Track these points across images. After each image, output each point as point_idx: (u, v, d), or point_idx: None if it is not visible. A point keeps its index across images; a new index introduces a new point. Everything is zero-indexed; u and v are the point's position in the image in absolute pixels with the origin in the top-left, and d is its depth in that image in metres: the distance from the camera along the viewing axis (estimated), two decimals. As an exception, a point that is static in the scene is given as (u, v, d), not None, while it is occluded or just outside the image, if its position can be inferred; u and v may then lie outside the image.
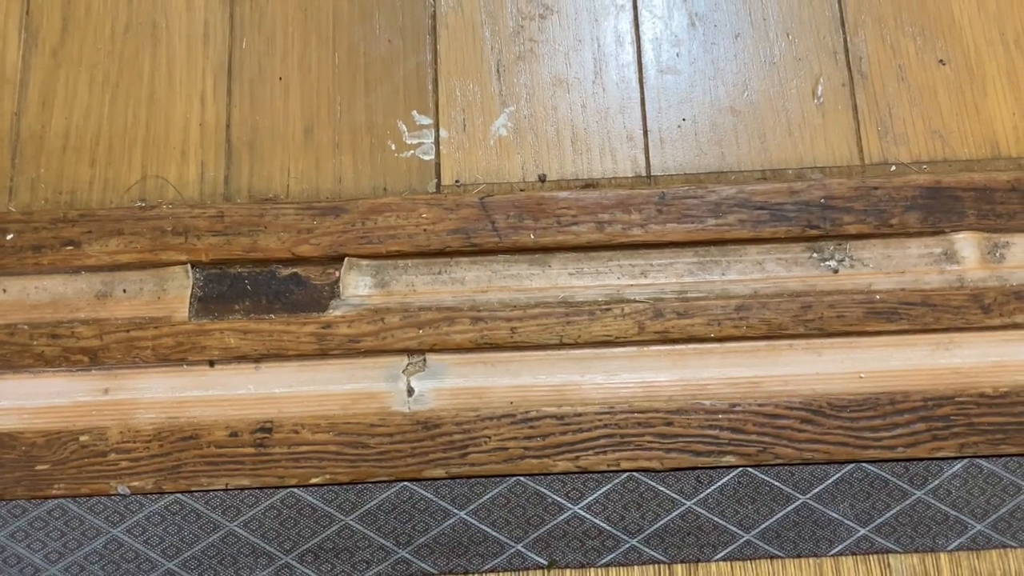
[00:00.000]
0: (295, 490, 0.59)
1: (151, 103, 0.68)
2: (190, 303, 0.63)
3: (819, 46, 0.68)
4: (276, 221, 0.64)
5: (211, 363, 0.62)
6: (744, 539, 0.59)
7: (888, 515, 0.59)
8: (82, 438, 0.60)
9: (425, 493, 0.60)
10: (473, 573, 0.59)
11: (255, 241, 0.63)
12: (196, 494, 0.59)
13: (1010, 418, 0.60)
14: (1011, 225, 0.63)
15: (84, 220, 0.64)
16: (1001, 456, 0.60)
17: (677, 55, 0.69)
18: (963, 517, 0.59)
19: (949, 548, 0.59)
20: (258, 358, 0.62)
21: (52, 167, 0.67)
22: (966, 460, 0.60)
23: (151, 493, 0.59)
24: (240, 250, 0.63)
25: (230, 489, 0.59)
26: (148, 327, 0.62)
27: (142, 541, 0.59)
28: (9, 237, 0.63)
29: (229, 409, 0.61)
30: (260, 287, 0.63)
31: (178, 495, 0.59)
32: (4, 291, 0.63)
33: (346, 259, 0.63)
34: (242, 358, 0.62)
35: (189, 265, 0.63)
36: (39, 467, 0.60)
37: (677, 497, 0.60)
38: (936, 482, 0.60)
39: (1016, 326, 0.62)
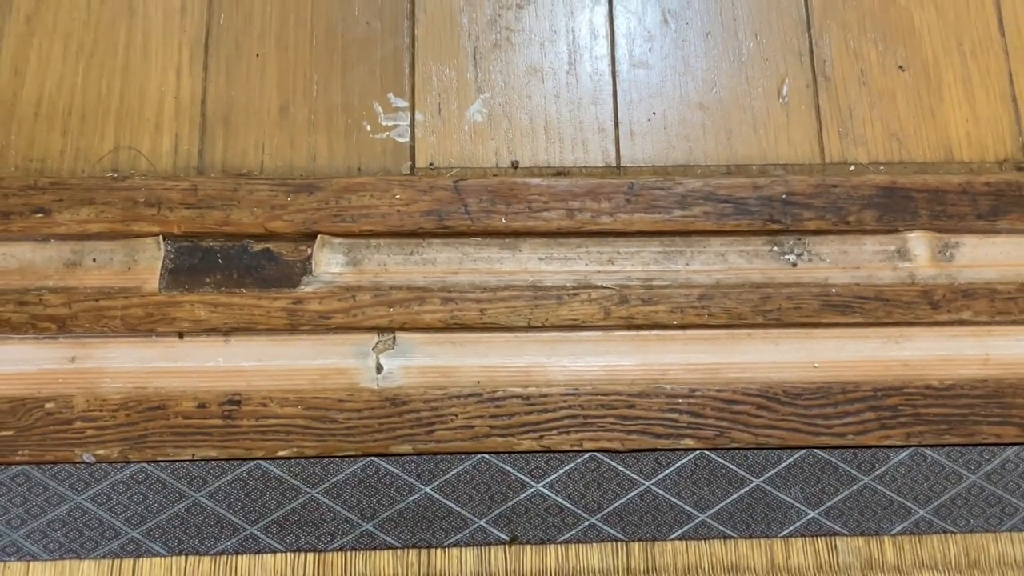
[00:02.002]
0: (262, 462, 0.60)
1: (126, 74, 0.68)
2: (160, 275, 0.63)
3: (785, 47, 0.71)
4: (250, 196, 0.64)
5: (180, 335, 0.62)
6: (699, 519, 0.61)
7: (837, 499, 0.62)
8: (48, 405, 0.60)
9: (391, 468, 0.61)
10: (436, 547, 0.60)
11: (228, 215, 0.64)
12: (162, 464, 0.60)
13: (954, 410, 0.63)
14: (961, 226, 0.65)
15: (55, 188, 0.63)
16: (944, 446, 0.63)
17: (649, 50, 0.71)
18: (907, 503, 0.62)
19: (893, 532, 0.61)
20: (228, 331, 0.62)
21: (23, 134, 0.66)
22: (911, 449, 0.63)
23: (117, 462, 0.59)
24: (213, 224, 0.63)
25: (196, 460, 0.60)
26: (118, 297, 0.62)
27: (107, 509, 0.59)
28: (-23, 202, 0.63)
29: (197, 381, 0.61)
30: (232, 261, 0.64)
31: (144, 464, 0.60)
32: (-29, 256, 0.62)
33: (319, 236, 0.64)
34: (212, 331, 0.62)
35: (161, 237, 0.63)
36: (3, 433, 0.59)
37: (636, 477, 0.61)
38: (883, 469, 0.62)
39: (962, 322, 0.65)
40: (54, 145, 0.66)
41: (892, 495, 0.62)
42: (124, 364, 0.61)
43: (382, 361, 0.62)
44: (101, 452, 0.59)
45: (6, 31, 0.68)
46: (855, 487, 0.62)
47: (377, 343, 0.63)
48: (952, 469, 0.62)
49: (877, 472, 0.62)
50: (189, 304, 0.62)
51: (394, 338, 0.63)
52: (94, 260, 0.63)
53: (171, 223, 0.63)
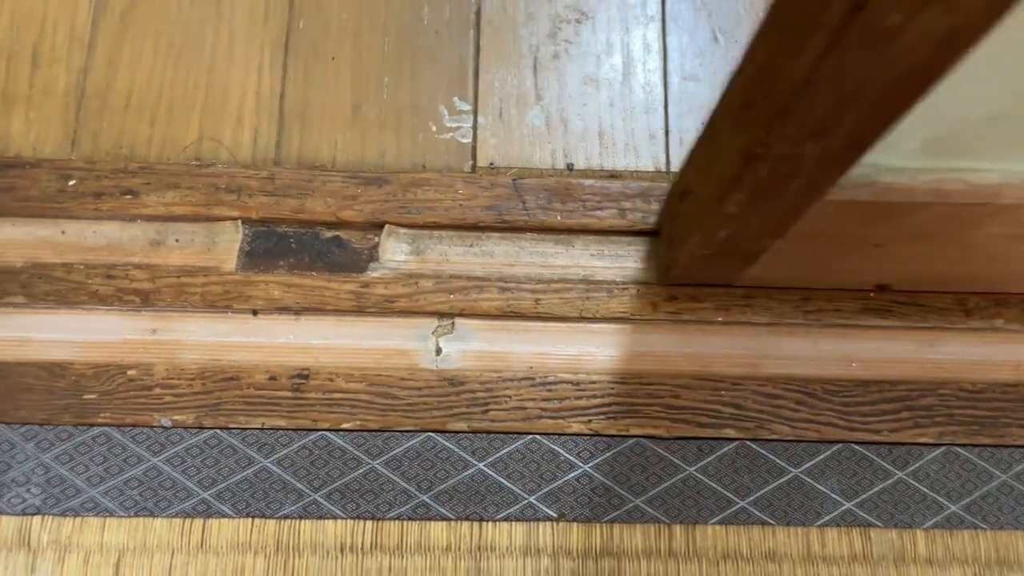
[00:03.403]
0: (327, 433, 0.64)
1: (211, 71, 0.73)
2: (238, 256, 0.67)
3: (829, 67, 0.74)
4: (323, 187, 0.69)
5: (254, 312, 0.66)
6: (739, 505, 0.64)
7: (871, 492, 0.64)
8: (130, 372, 0.64)
9: (447, 444, 0.64)
10: (488, 521, 0.63)
11: (303, 203, 0.68)
12: (234, 430, 0.63)
13: (986, 412, 0.66)
14: (995, 238, 0.69)
15: (144, 172, 0.68)
16: (976, 446, 0.65)
17: (699, 65, 0.75)
18: (939, 498, 0.64)
19: (925, 526, 0.64)
20: (299, 310, 0.66)
21: (114, 123, 0.71)
22: (944, 447, 0.65)
23: (192, 427, 0.63)
24: (288, 211, 0.68)
25: (266, 428, 0.64)
26: (198, 274, 0.66)
27: (180, 471, 0.63)
28: (71, 183, 0.68)
29: (269, 355, 0.65)
30: (304, 246, 0.68)
31: (217, 430, 0.63)
32: (63, 232, 0.67)
33: (386, 226, 0.68)
34: (284, 309, 0.66)
35: (240, 221, 0.68)
36: (87, 396, 0.63)
37: (680, 463, 0.64)
38: (916, 465, 0.65)
39: (995, 329, 0.68)
40: (142, 134, 0.71)
41: (925, 490, 0.64)
42: (201, 337, 0.65)
43: (441, 344, 0.66)
44: (178, 417, 0.63)
45: (102, 28, 0.73)
46: (889, 481, 0.64)
47: (437, 327, 0.67)
48: (983, 468, 0.65)
49: (911, 468, 0.65)
50: (264, 284, 0.66)
51: (453, 323, 0.67)
52: (176, 240, 0.67)
53: (250, 208, 0.68)
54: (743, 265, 0.62)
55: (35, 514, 0.62)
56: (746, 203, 0.49)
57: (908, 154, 0.48)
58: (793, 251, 0.59)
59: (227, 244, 0.67)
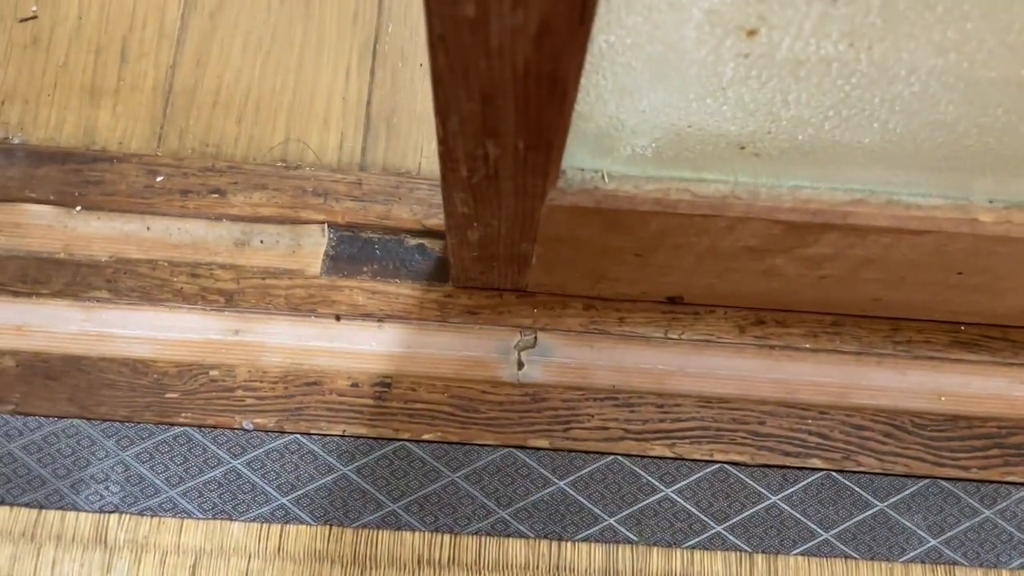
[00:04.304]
0: (407, 443, 0.63)
1: (299, 72, 0.72)
2: (323, 260, 0.67)
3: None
4: (409, 194, 0.68)
5: (338, 317, 0.65)
6: (823, 537, 0.63)
7: (958, 529, 0.63)
8: (212, 372, 0.64)
9: (528, 460, 0.63)
10: (567, 540, 0.62)
11: (389, 210, 0.68)
12: (314, 436, 0.63)
13: (1076, 453, 0.64)
14: (1090, 276, 0.67)
15: (232, 171, 0.68)
16: (1065, 488, 0.64)
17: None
18: (1027, 540, 0.63)
19: (1012, 566, 0.62)
20: (382, 317, 0.66)
21: (201, 120, 0.71)
22: (1033, 487, 0.64)
23: (272, 431, 0.63)
24: (374, 216, 0.67)
25: (347, 436, 0.63)
26: (282, 277, 0.66)
27: (260, 475, 0.62)
28: (159, 179, 0.68)
29: (351, 361, 0.64)
30: (389, 253, 0.67)
31: (297, 435, 0.63)
32: (148, 228, 0.67)
33: (471, 236, 0.67)
34: (367, 315, 0.65)
35: (325, 225, 0.67)
36: (169, 395, 0.63)
37: (763, 491, 0.63)
38: (1004, 504, 0.64)
39: (1087, 369, 0.66)
40: (229, 132, 0.71)
41: (1013, 530, 0.63)
42: (284, 340, 0.65)
43: (523, 358, 0.65)
44: (259, 420, 0.63)
45: (191, 25, 0.73)
46: (977, 519, 0.63)
47: (520, 341, 0.66)
48: (1073, 511, 0.64)
49: (999, 506, 0.63)
50: (348, 289, 0.66)
51: (535, 337, 0.66)
52: (261, 241, 0.67)
53: (336, 213, 0.67)
54: (517, 269, 0.61)
55: (113, 512, 0.61)
56: (472, 203, 0.49)
57: (632, 162, 0.48)
58: (558, 258, 0.59)
59: (312, 248, 0.67)
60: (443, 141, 0.43)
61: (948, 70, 0.37)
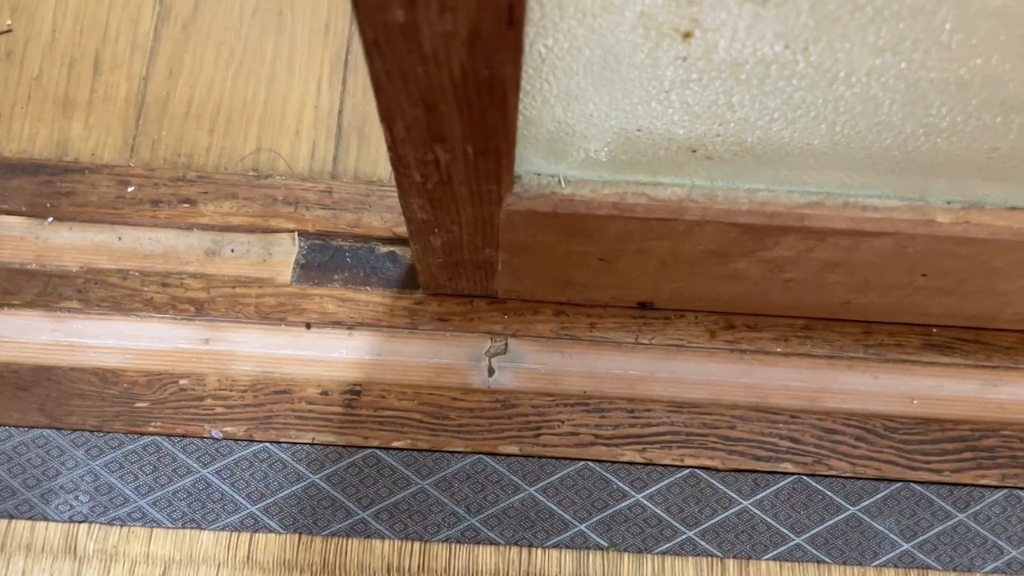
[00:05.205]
0: (377, 451, 0.63)
1: (271, 82, 0.73)
2: (293, 268, 0.67)
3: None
4: (380, 202, 0.68)
5: (308, 325, 0.66)
6: (794, 542, 0.62)
7: (931, 533, 0.63)
8: (181, 382, 0.64)
9: (498, 467, 0.63)
10: (537, 547, 0.62)
11: (359, 218, 0.68)
12: (284, 445, 0.63)
13: (1050, 455, 0.64)
14: (1062, 277, 0.67)
15: (202, 181, 0.68)
16: (1039, 490, 0.64)
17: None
18: (1000, 542, 0.63)
19: (985, 570, 0.62)
20: (352, 325, 0.66)
21: (173, 131, 0.71)
22: (1007, 489, 0.64)
23: (242, 439, 0.63)
24: (345, 224, 0.68)
25: (316, 444, 0.63)
26: (253, 286, 0.66)
27: (229, 484, 0.62)
28: (130, 190, 0.68)
29: (321, 369, 0.65)
30: (360, 260, 0.67)
31: (267, 444, 0.63)
32: (120, 239, 0.67)
33: (442, 243, 0.67)
34: (338, 323, 0.66)
35: (296, 233, 0.67)
36: (138, 404, 0.63)
37: (735, 496, 0.63)
38: (978, 507, 0.63)
39: (1061, 371, 0.66)
40: (201, 142, 0.71)
41: (986, 534, 0.63)
42: (254, 349, 0.65)
43: (494, 364, 0.65)
44: (228, 429, 0.63)
45: (164, 37, 0.74)
46: (949, 523, 0.63)
47: (490, 347, 0.66)
48: (1047, 513, 0.63)
49: (972, 510, 0.63)
50: (318, 297, 0.66)
51: (506, 344, 0.66)
52: (232, 250, 0.67)
53: (306, 221, 0.67)
54: (485, 275, 0.61)
55: (82, 522, 0.61)
56: (431, 209, 0.49)
57: (588, 166, 0.48)
58: (524, 263, 0.59)
59: (283, 256, 0.67)
60: (392, 148, 0.43)
61: (886, 70, 0.37)
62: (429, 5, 0.31)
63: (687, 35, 0.35)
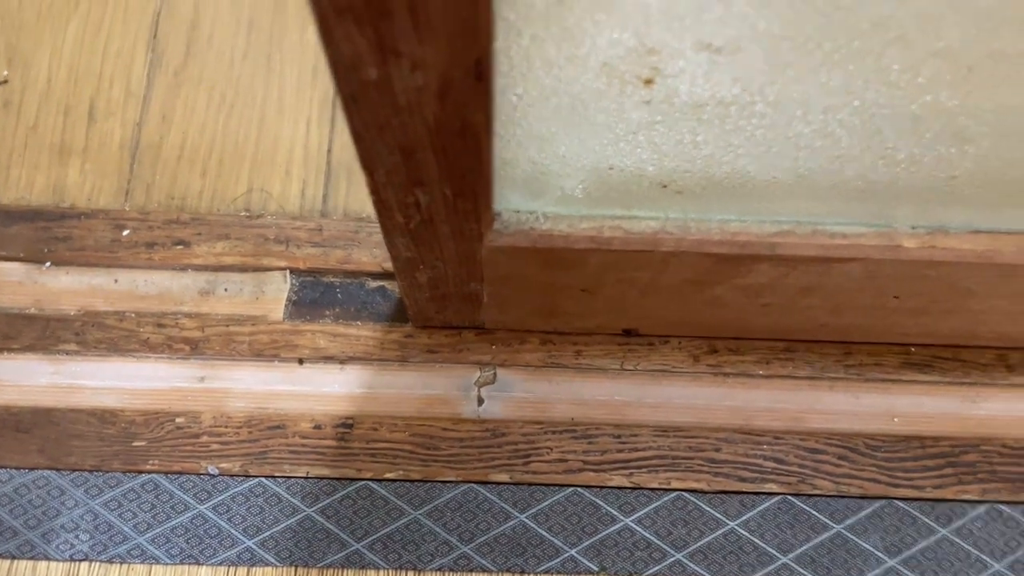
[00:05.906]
0: (370, 482, 0.64)
1: (261, 124, 0.75)
2: (285, 305, 0.68)
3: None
4: (369, 239, 0.70)
5: (300, 361, 0.67)
6: (781, 561, 0.64)
7: (915, 549, 0.64)
8: (178, 420, 0.65)
9: (489, 495, 0.64)
10: (529, 573, 0.63)
11: (349, 254, 0.70)
12: (279, 479, 0.64)
13: (1030, 469, 0.65)
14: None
15: (195, 223, 0.70)
16: (1020, 503, 0.65)
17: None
18: (983, 556, 0.64)
19: (970, 585, 0.63)
20: (344, 360, 0.67)
21: (166, 174, 0.73)
22: (988, 504, 0.65)
23: (237, 475, 0.64)
24: (335, 261, 0.69)
25: (310, 477, 0.64)
26: (246, 323, 0.68)
27: (226, 519, 0.63)
28: (125, 233, 0.70)
29: (314, 404, 0.66)
30: (350, 296, 0.69)
31: (262, 479, 0.64)
32: (116, 281, 0.69)
33: (430, 277, 0.69)
34: (330, 358, 0.67)
35: (287, 271, 0.69)
36: (136, 443, 0.65)
37: (721, 517, 0.64)
38: (960, 522, 0.65)
39: (1037, 386, 0.68)
40: (194, 185, 0.73)
41: (969, 548, 0.64)
42: (248, 385, 0.66)
43: (483, 394, 0.67)
44: (224, 465, 0.64)
45: (157, 83, 0.76)
46: (933, 539, 0.64)
47: (479, 377, 0.67)
48: (1028, 526, 0.64)
49: (954, 525, 0.64)
50: (310, 333, 0.68)
51: (495, 373, 0.68)
52: (226, 289, 0.69)
53: (297, 259, 0.69)
54: (471, 307, 0.63)
55: (83, 560, 0.62)
56: (415, 247, 0.51)
57: (565, 202, 0.50)
58: (509, 295, 0.60)
59: (275, 294, 0.69)
60: (374, 192, 0.45)
61: (841, 108, 0.39)
62: (401, 63, 0.33)
63: (648, 81, 0.37)
